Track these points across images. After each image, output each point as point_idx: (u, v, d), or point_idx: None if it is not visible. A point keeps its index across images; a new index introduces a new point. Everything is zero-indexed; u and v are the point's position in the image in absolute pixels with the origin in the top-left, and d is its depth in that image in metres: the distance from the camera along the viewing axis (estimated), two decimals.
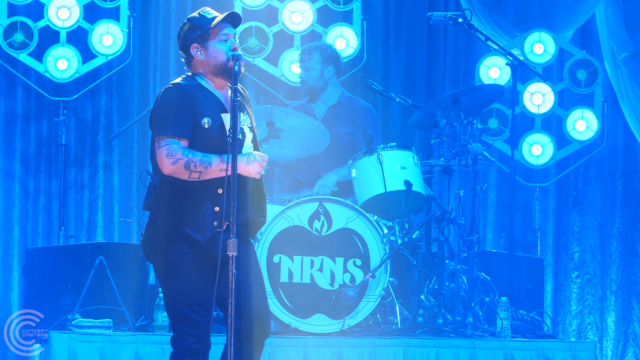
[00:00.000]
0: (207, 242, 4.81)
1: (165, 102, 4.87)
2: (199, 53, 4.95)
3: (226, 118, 4.89)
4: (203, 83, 4.96)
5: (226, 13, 4.98)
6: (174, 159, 4.78)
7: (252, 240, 5.09)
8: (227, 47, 4.94)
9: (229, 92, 4.95)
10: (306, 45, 7.75)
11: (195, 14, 5.00)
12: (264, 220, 5.08)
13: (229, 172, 4.68)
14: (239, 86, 4.96)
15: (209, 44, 4.94)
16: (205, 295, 4.81)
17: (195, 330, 4.81)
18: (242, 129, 4.83)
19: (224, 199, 4.68)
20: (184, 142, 4.82)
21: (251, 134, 4.98)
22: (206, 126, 4.85)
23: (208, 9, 5.02)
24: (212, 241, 4.81)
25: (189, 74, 5.00)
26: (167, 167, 4.79)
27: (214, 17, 4.95)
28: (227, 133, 4.82)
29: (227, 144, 4.79)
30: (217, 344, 4.94)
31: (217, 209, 4.81)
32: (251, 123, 5.00)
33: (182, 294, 4.82)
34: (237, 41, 5.02)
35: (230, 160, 4.70)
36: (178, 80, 4.95)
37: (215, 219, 4.81)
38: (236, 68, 4.82)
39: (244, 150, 4.89)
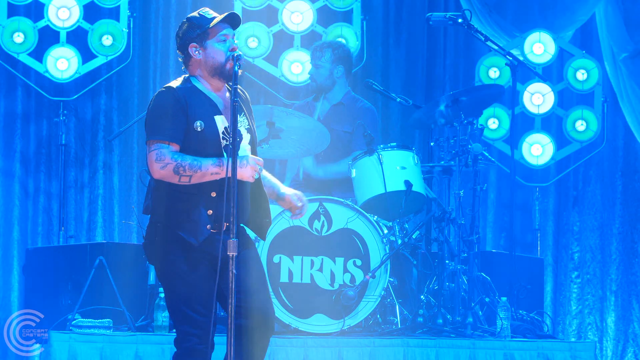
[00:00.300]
0: (206, 244, 4.81)
1: (156, 106, 4.89)
2: (197, 53, 4.95)
3: (219, 120, 4.89)
4: (198, 85, 4.95)
5: (226, 13, 4.98)
6: (163, 163, 4.78)
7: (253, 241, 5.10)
8: (226, 48, 4.94)
9: (227, 93, 4.96)
10: (319, 42, 7.70)
11: (194, 13, 5.00)
12: (270, 220, 5.09)
13: (229, 174, 4.68)
14: (239, 87, 4.96)
15: (208, 43, 4.94)
16: (207, 295, 4.81)
17: (198, 331, 4.81)
18: (238, 130, 4.82)
19: (224, 200, 4.68)
20: (174, 147, 4.82)
21: (249, 136, 4.97)
22: (199, 129, 4.85)
23: (207, 9, 5.02)
24: (211, 242, 4.81)
25: (186, 75, 5.00)
26: (157, 171, 4.80)
27: (214, 17, 4.95)
28: (221, 135, 4.84)
29: (220, 147, 4.81)
30: (221, 343, 4.94)
31: (210, 212, 4.82)
32: (249, 124, 5.00)
33: (183, 295, 4.82)
34: (236, 42, 5.02)
35: (229, 161, 4.70)
36: (172, 83, 4.96)
37: (208, 222, 4.81)
38: (236, 68, 4.82)
39: (240, 152, 4.88)
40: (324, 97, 7.52)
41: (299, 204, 5.12)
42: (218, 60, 4.92)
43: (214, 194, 4.81)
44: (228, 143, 4.84)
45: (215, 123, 4.87)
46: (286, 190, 5.15)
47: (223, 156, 4.83)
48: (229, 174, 4.68)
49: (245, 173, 4.80)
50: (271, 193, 5.15)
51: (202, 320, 4.81)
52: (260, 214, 5.02)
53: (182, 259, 4.82)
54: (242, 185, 4.86)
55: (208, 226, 4.80)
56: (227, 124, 4.88)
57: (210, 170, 4.78)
